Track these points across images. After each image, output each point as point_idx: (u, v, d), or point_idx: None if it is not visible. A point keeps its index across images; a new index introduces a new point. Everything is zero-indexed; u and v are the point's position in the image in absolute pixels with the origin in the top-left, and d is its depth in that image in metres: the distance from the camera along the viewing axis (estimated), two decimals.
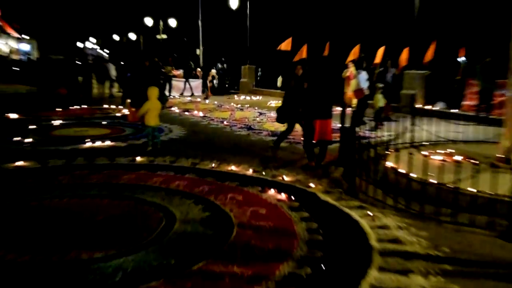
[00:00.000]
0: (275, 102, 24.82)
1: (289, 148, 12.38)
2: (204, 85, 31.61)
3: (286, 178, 9.01)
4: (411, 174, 8.06)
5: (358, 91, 15.63)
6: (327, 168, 10.06)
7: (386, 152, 10.02)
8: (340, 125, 10.84)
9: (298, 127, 11.12)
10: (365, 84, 16.75)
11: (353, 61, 19.24)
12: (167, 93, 25.90)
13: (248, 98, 29.24)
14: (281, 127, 14.42)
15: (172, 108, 21.66)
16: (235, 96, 30.96)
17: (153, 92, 11.88)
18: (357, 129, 9.40)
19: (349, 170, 8.63)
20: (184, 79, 31.28)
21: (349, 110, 15.26)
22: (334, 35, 29.47)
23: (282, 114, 10.95)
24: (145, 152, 11.35)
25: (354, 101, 16.19)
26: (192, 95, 30.84)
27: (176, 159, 10.86)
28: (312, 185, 8.57)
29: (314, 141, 10.18)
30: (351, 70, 18.58)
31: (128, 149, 11.91)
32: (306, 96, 10.14)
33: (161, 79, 22.55)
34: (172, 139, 13.55)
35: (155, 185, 8.45)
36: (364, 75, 17.09)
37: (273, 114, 18.93)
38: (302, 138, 10.69)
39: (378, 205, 7.67)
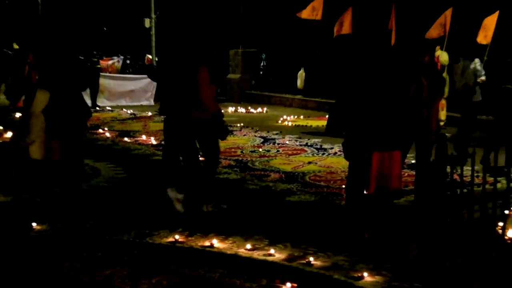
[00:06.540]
0: (293, 118, 16.68)
1: (318, 203, 8.70)
2: None
3: (314, 262, 6.48)
4: None
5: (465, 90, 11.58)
6: (391, 242, 7.13)
7: (507, 211, 6.99)
8: (416, 161, 8.48)
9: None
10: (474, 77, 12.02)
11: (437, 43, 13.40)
12: (89, 101, 15.63)
13: (241, 110, 19.08)
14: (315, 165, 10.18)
15: (100, 130, 14.59)
16: None
17: (40, 99, 8.01)
18: (448, 168, 6.57)
19: (432, 247, 6.63)
20: (122, 76, 20.82)
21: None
22: None
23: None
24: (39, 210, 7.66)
25: (443, 114, 12.16)
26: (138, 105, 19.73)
27: (105, 225, 7.52)
28: (364, 275, 6.14)
29: (367, 191, 7.22)
30: (438, 55, 13.17)
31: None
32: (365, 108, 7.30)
33: (85, 73, 13.09)
34: (96, 188, 9.16)
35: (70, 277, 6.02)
36: (468, 64, 12.34)
37: (290, 141, 13.09)
38: (344, 186, 8.10)
39: None
